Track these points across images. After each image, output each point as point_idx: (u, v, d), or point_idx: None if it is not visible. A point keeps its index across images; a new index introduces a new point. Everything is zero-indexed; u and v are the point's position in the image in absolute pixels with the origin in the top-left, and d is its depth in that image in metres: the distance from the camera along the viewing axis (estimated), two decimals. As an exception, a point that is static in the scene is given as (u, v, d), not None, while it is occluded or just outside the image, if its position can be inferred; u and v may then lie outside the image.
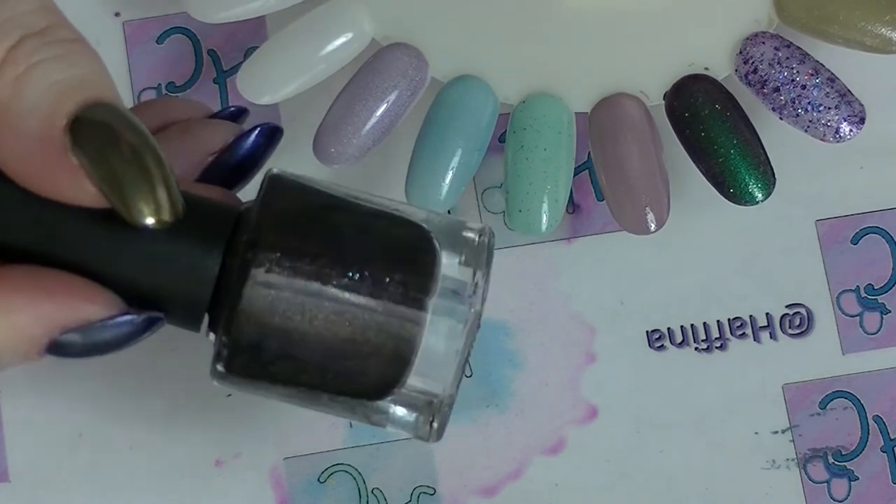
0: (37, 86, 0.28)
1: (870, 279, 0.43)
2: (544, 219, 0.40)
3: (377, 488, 0.42)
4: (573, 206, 0.43)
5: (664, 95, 0.41)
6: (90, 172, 0.28)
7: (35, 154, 0.28)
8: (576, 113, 0.41)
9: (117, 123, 0.28)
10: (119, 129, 0.28)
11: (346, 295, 0.30)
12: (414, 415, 0.32)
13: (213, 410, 0.42)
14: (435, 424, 0.31)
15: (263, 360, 0.30)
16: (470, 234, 0.32)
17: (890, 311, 0.43)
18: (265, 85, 0.40)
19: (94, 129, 0.28)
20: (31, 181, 0.28)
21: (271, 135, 0.33)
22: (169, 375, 0.42)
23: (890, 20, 0.39)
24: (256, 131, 0.33)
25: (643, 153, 0.40)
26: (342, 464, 0.42)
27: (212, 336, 0.31)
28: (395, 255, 0.30)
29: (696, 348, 0.43)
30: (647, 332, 0.43)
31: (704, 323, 0.43)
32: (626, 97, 0.41)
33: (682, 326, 0.43)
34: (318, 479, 0.42)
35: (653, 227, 0.40)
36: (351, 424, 0.42)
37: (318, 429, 0.42)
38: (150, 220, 0.28)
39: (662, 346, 0.43)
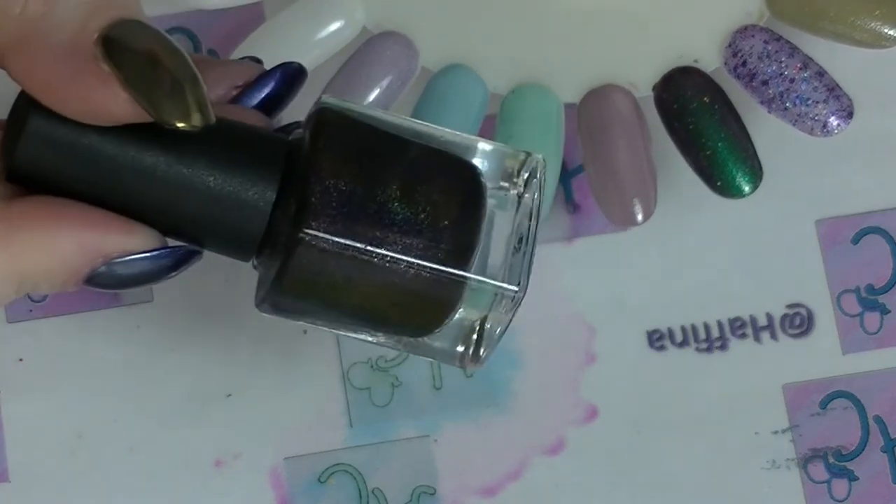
0: (67, 2, 0.29)
1: (870, 279, 0.43)
2: (532, 210, 0.40)
3: (377, 488, 0.42)
4: (573, 206, 0.43)
5: (653, 87, 0.41)
6: (121, 77, 0.28)
7: (66, 64, 0.29)
8: (565, 104, 0.41)
9: (147, 36, 0.29)
10: (149, 42, 0.29)
11: (398, 246, 0.30)
12: (458, 346, 0.33)
13: (213, 410, 0.42)
14: (479, 353, 0.33)
15: (316, 286, 0.31)
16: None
17: (890, 311, 0.43)
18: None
19: (125, 42, 0.29)
20: (62, 94, 0.29)
21: (295, 75, 0.34)
22: (169, 375, 0.42)
23: (880, 15, 0.39)
24: (280, 71, 0.33)
25: (631, 144, 0.40)
26: (342, 464, 0.42)
27: (256, 264, 0.32)
28: (441, 212, 0.31)
29: (696, 348, 0.43)
30: (647, 332, 0.43)
31: (704, 323, 0.43)
32: (615, 88, 0.41)
33: (682, 326, 0.43)
34: (319, 479, 0.42)
35: (640, 217, 0.40)
36: (351, 424, 0.42)
37: (318, 429, 0.42)
38: (180, 123, 0.29)
39: (662, 346, 0.43)
